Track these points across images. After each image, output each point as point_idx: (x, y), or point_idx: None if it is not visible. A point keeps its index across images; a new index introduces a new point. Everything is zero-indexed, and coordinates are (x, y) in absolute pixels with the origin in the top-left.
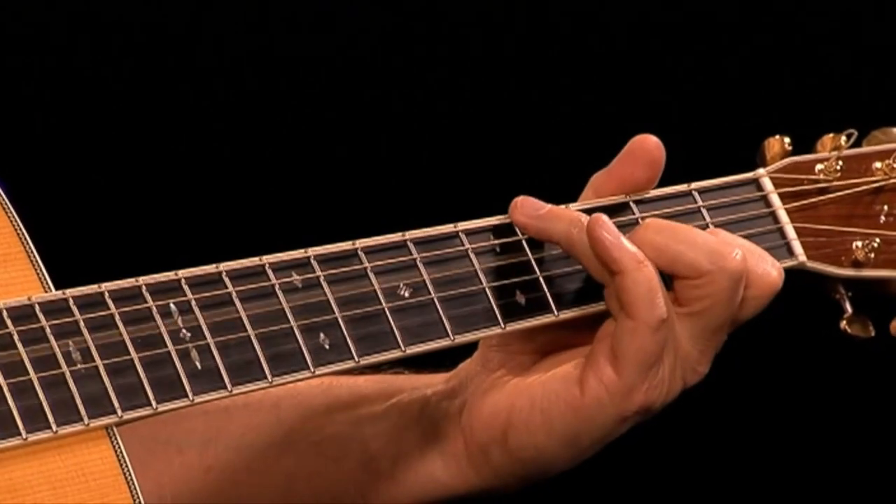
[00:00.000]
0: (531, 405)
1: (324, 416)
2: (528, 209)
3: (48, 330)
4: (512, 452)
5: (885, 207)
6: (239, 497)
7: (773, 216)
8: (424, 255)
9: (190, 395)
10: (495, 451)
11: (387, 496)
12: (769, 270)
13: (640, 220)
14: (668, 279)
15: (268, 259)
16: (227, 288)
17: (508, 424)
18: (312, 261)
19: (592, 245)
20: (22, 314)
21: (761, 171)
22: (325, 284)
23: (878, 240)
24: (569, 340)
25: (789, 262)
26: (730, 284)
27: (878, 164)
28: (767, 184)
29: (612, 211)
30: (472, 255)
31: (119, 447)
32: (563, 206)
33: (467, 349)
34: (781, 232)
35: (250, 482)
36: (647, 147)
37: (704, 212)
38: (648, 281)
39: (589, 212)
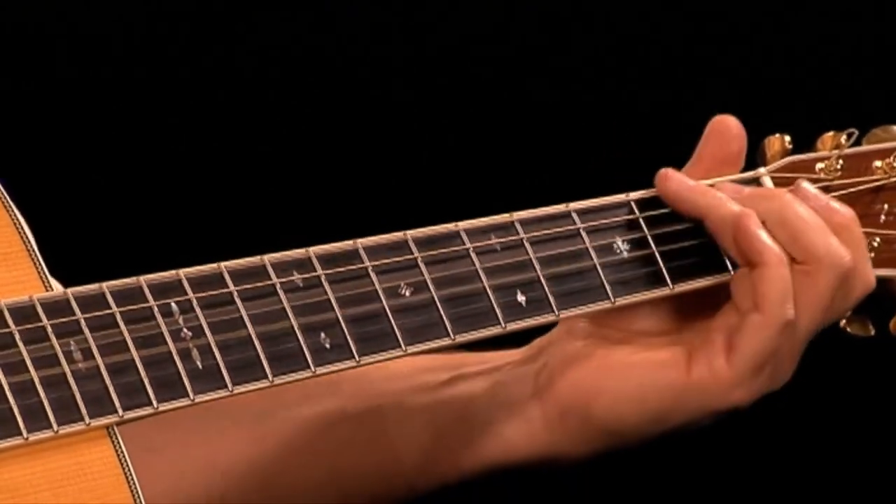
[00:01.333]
0: (627, 373)
1: (384, 383)
2: (677, 181)
3: (49, 329)
4: (593, 422)
5: (885, 206)
6: (292, 466)
7: None
8: (425, 254)
9: (191, 394)
10: (574, 418)
11: (451, 460)
12: (871, 276)
13: (640, 220)
14: None
15: (269, 258)
16: (228, 287)
17: (596, 394)
18: (313, 260)
19: (737, 234)
20: (23, 313)
21: (762, 170)
22: (326, 284)
23: (878, 239)
24: (664, 327)
25: None
26: (838, 284)
27: (878, 163)
28: (768, 182)
29: (612, 209)
30: (473, 255)
31: (120, 447)
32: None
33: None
34: None
35: (308, 449)
36: (728, 124)
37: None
38: (785, 281)
39: (588, 211)
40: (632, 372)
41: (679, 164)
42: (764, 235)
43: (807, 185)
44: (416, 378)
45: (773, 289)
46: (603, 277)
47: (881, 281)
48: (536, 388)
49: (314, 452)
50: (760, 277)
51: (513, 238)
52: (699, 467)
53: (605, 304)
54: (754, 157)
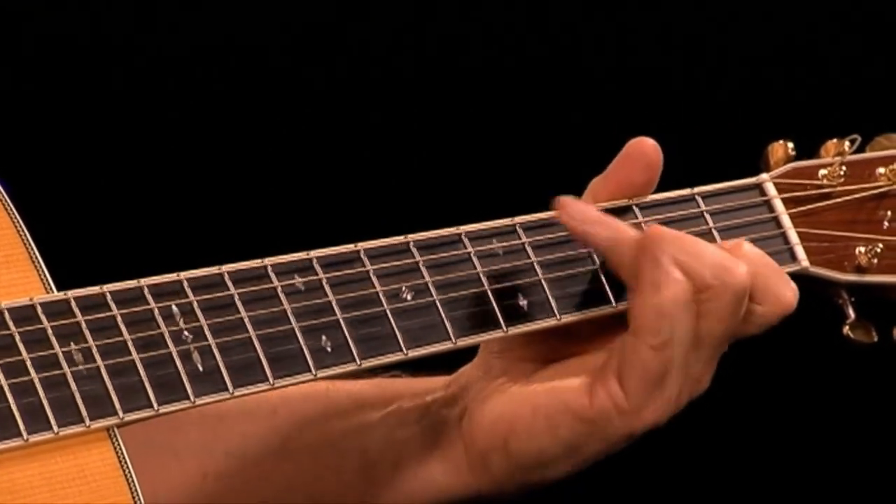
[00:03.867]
0: (534, 411)
1: (322, 423)
2: (575, 213)
3: (50, 331)
4: (512, 458)
5: (889, 213)
6: None
7: (776, 221)
8: (427, 258)
9: (191, 396)
10: (495, 456)
11: (386, 502)
12: (784, 292)
13: (642, 224)
14: None
15: (270, 261)
16: (229, 290)
17: (510, 430)
18: (315, 263)
19: (637, 258)
20: (24, 315)
21: (764, 175)
22: (327, 287)
23: (880, 245)
24: (572, 349)
25: (792, 268)
26: (732, 300)
27: (881, 170)
28: (770, 189)
29: (615, 214)
30: (474, 259)
31: (120, 448)
32: (606, 214)
33: (468, 352)
34: (784, 237)
35: (247, 489)
36: (644, 150)
37: (707, 216)
38: (657, 303)
39: None
40: (540, 406)
41: (684, 170)
42: (649, 255)
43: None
44: (353, 417)
45: (643, 314)
46: (605, 281)
47: (885, 288)
48: (460, 433)
49: (255, 491)
50: (632, 301)
51: (515, 242)
52: (700, 474)
53: (608, 309)
54: (757, 163)
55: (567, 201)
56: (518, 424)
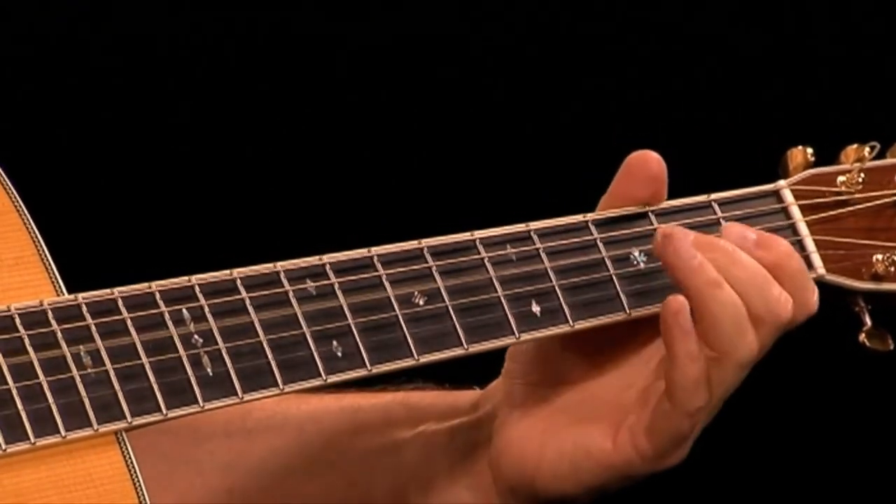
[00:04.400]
0: (560, 455)
1: (349, 440)
2: (684, 251)
3: (59, 334)
4: (538, 494)
5: None
6: None
7: (793, 228)
8: (440, 263)
9: (200, 401)
10: (523, 491)
11: None
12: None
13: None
14: None
15: (282, 266)
16: (240, 295)
17: (537, 471)
18: (327, 268)
19: (662, 325)
20: (33, 318)
21: (782, 182)
22: (339, 292)
23: None
24: (594, 374)
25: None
26: (777, 332)
27: None
28: (788, 195)
29: (630, 221)
30: (488, 265)
31: (128, 453)
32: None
33: (480, 356)
34: (801, 244)
35: None
36: (645, 162)
37: (724, 223)
38: (695, 376)
39: (606, 222)
40: (565, 452)
41: (701, 176)
42: (677, 329)
43: (729, 238)
44: (382, 435)
45: (679, 383)
46: (619, 289)
47: None
48: (487, 460)
49: None
50: (668, 368)
51: (529, 248)
52: (712, 484)
53: (621, 316)
54: (776, 169)
55: (678, 240)
56: (543, 466)
